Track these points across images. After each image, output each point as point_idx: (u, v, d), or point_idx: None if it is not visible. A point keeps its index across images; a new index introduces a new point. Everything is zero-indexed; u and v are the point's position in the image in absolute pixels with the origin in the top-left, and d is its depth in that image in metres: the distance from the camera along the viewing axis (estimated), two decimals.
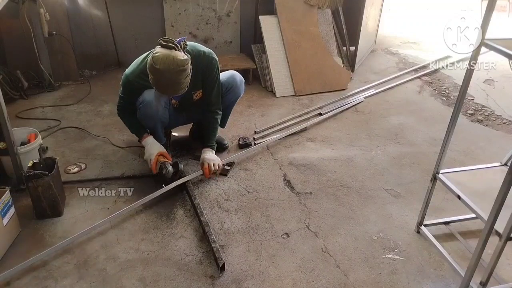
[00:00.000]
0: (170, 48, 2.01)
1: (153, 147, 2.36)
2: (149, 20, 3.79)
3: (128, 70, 2.30)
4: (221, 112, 2.54)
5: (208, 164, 2.40)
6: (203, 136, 2.56)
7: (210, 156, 2.46)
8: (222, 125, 2.76)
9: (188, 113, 2.58)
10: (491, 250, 1.53)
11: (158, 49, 2.02)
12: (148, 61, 2.04)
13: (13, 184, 2.23)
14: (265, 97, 3.56)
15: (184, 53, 2.08)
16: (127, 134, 2.81)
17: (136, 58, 2.37)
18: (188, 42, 2.19)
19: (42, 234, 2.02)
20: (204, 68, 2.31)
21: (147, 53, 2.24)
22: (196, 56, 2.24)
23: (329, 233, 2.08)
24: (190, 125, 2.88)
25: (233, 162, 2.60)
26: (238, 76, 2.59)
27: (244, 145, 2.78)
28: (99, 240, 2.00)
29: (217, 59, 2.36)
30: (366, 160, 2.70)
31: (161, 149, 2.38)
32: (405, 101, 3.58)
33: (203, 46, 2.35)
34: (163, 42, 2.02)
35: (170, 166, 2.31)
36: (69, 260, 1.87)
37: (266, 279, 1.81)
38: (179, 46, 2.05)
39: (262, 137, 2.91)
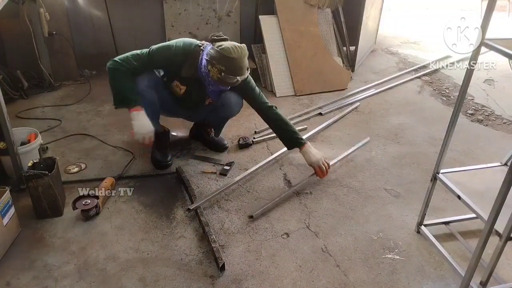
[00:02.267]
0: (225, 39, 2.22)
1: (146, 124, 2.24)
2: (149, 20, 3.79)
3: (179, 43, 2.29)
4: (274, 105, 2.48)
5: (319, 167, 2.37)
6: (286, 140, 2.46)
7: (314, 157, 2.37)
8: (216, 134, 2.77)
9: (190, 111, 2.59)
10: (491, 250, 1.53)
11: (218, 43, 2.18)
12: (216, 55, 2.14)
13: (13, 184, 2.23)
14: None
15: None
16: (127, 134, 2.82)
17: None
18: None
19: (42, 234, 2.02)
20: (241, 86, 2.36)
21: (191, 41, 2.32)
22: None
23: (329, 233, 2.09)
24: (190, 125, 2.87)
25: (233, 162, 2.61)
26: (234, 98, 2.52)
27: (244, 145, 2.78)
28: (99, 240, 1.99)
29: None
30: (366, 160, 2.70)
31: (152, 129, 2.27)
32: (405, 101, 3.58)
33: None
34: (216, 37, 2.22)
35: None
36: (69, 260, 1.87)
37: (266, 279, 1.81)
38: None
39: (262, 137, 2.91)
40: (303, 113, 3.28)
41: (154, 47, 2.30)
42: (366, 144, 2.81)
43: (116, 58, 2.23)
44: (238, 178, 2.41)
